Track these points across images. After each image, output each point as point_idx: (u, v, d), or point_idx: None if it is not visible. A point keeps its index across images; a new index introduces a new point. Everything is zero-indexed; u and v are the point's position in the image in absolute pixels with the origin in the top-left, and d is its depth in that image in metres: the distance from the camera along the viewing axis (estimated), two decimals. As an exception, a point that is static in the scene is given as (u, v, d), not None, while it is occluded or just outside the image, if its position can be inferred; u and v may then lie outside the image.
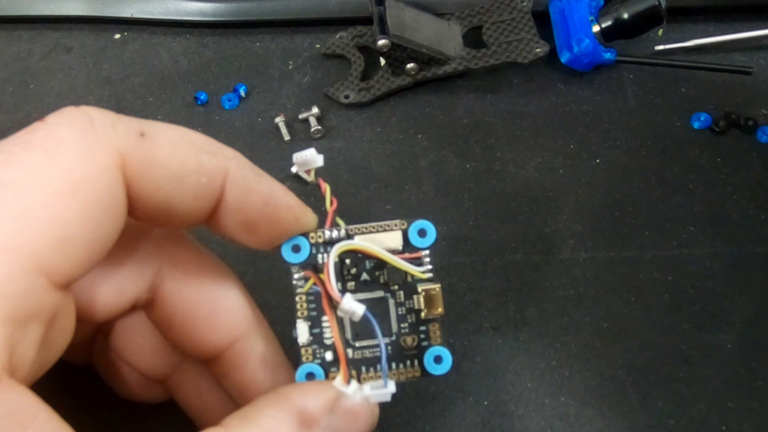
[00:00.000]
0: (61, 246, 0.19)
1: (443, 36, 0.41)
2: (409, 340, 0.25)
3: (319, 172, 0.26)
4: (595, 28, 0.40)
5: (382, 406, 0.24)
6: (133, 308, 0.25)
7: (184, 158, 0.22)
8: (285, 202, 0.24)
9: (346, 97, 0.40)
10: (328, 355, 0.25)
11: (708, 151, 0.38)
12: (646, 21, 0.40)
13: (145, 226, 0.25)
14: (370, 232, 0.25)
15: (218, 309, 0.26)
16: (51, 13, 0.44)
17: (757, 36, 0.42)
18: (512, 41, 0.41)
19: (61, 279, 0.20)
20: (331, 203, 0.25)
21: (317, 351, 0.25)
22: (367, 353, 0.25)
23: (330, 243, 0.25)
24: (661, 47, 0.42)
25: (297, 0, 0.44)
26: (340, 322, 0.25)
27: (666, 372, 0.32)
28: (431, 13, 0.42)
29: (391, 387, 0.24)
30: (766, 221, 0.36)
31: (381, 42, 0.38)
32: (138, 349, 0.27)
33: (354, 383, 0.23)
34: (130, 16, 0.44)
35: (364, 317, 0.23)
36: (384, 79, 0.40)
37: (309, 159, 0.25)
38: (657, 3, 0.39)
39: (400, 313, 0.25)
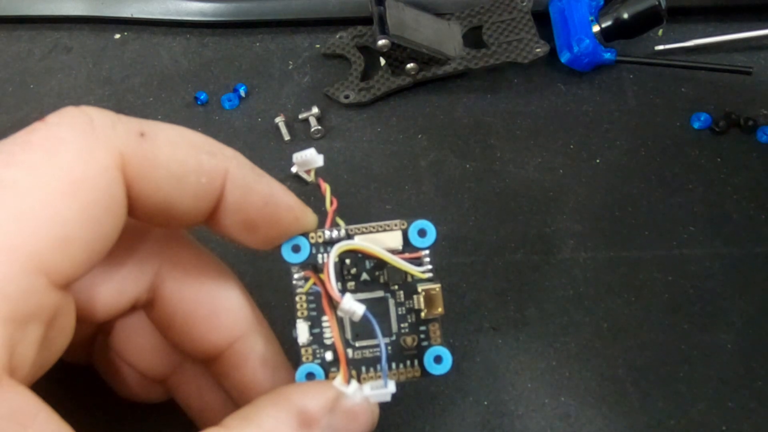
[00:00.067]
0: (61, 246, 0.19)
1: (443, 36, 0.41)
2: (409, 340, 0.25)
3: (319, 172, 0.26)
4: (595, 28, 0.40)
5: (382, 406, 0.24)
6: (133, 308, 0.25)
7: (184, 158, 0.22)
8: (285, 202, 0.24)
9: (346, 97, 0.40)
10: (328, 355, 0.25)
11: (708, 151, 0.38)
12: (646, 21, 0.40)
13: (145, 226, 0.25)
14: (370, 232, 0.25)
15: (218, 309, 0.26)
16: (51, 13, 0.44)
17: (757, 36, 0.42)
18: (512, 41, 0.41)
19: (61, 279, 0.20)
20: (331, 203, 0.25)
21: (317, 351, 0.25)
22: (367, 353, 0.25)
23: (330, 243, 0.25)
24: (661, 47, 0.42)
25: (297, 0, 0.44)
26: (340, 322, 0.25)
27: (666, 372, 0.32)
28: (431, 13, 0.42)
29: (391, 387, 0.24)
30: (766, 221, 0.36)
31: (381, 42, 0.38)
32: (138, 349, 0.27)
33: (354, 383, 0.23)
34: (130, 16, 0.44)
35: (364, 317, 0.23)
36: (384, 79, 0.40)
37: (309, 159, 0.25)
38: (657, 3, 0.39)
39: (400, 313, 0.25)
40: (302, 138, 0.40)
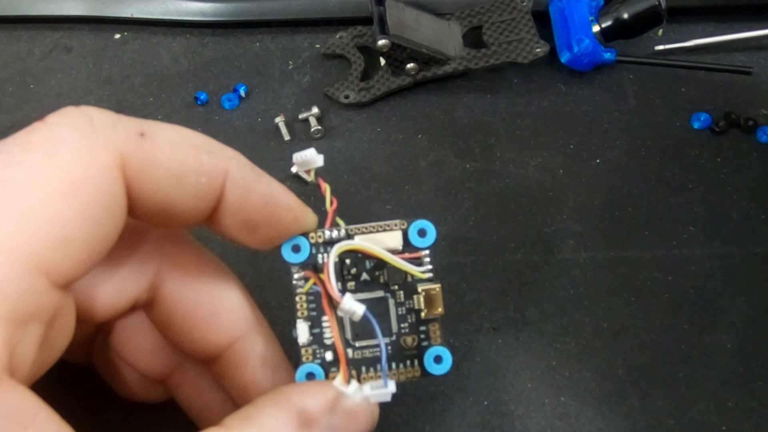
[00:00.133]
0: (61, 246, 0.19)
1: (443, 36, 0.41)
2: (409, 340, 0.25)
3: (319, 172, 0.26)
4: (595, 28, 0.40)
5: (382, 406, 0.24)
6: (133, 308, 0.25)
7: (184, 158, 0.22)
8: (285, 202, 0.24)
9: (346, 97, 0.40)
10: (328, 355, 0.25)
11: (708, 151, 0.38)
12: (646, 21, 0.40)
13: (145, 226, 0.25)
14: (370, 232, 0.25)
15: (218, 309, 0.26)
16: (51, 13, 0.44)
17: (757, 36, 0.42)
18: (512, 41, 0.41)
19: (61, 279, 0.20)
20: (331, 203, 0.25)
21: (317, 351, 0.25)
22: (367, 353, 0.25)
23: (330, 243, 0.25)
24: (661, 47, 0.42)
25: (297, 0, 0.44)
26: (340, 322, 0.25)
27: (666, 372, 0.32)
28: (431, 13, 0.42)
29: (391, 387, 0.24)
30: (766, 221, 0.36)
31: (381, 42, 0.38)
32: (138, 349, 0.27)
33: (354, 383, 0.23)
34: (130, 16, 0.44)
35: (364, 317, 0.23)
36: (384, 79, 0.40)
37: (309, 159, 0.25)
38: (657, 3, 0.39)
39: (400, 313, 0.25)
40: (302, 138, 0.40)
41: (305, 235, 0.25)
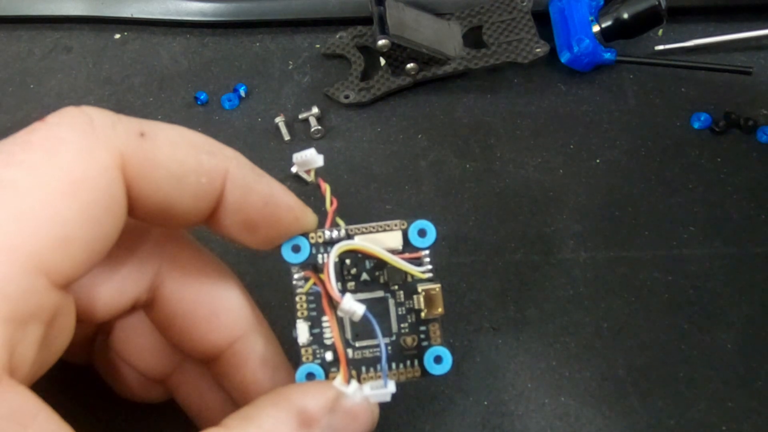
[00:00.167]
0: (61, 246, 0.19)
1: (443, 36, 0.41)
2: (409, 340, 0.25)
3: (319, 172, 0.26)
4: (595, 28, 0.40)
5: (382, 406, 0.24)
6: (133, 308, 0.25)
7: (184, 158, 0.22)
8: (285, 202, 0.24)
9: (346, 97, 0.40)
10: (328, 355, 0.25)
11: (708, 151, 0.38)
12: (646, 21, 0.40)
13: (145, 226, 0.25)
14: (370, 232, 0.25)
15: (218, 309, 0.26)
16: (51, 13, 0.44)
17: (757, 36, 0.42)
18: (512, 41, 0.41)
19: (61, 279, 0.20)
20: (331, 203, 0.25)
21: (317, 351, 0.25)
22: (367, 353, 0.25)
23: (330, 243, 0.25)
24: (661, 47, 0.42)
25: (297, 0, 0.44)
26: (340, 322, 0.25)
27: (666, 372, 0.32)
28: (431, 13, 0.42)
29: (391, 387, 0.24)
30: (766, 221, 0.36)
31: (381, 42, 0.38)
32: (138, 349, 0.27)
33: (354, 383, 0.23)
34: (130, 16, 0.44)
35: (364, 317, 0.23)
36: (384, 79, 0.40)
37: (309, 159, 0.25)
38: (657, 3, 0.39)
39: (400, 313, 0.25)
40: (302, 138, 0.40)
41: (305, 235, 0.25)
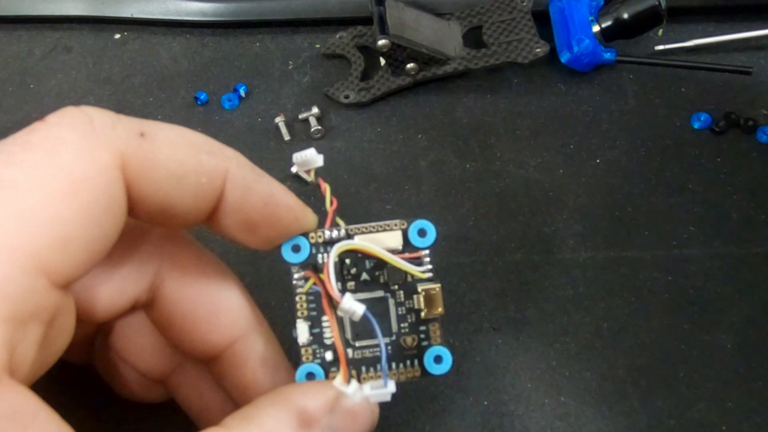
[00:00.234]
0: (61, 246, 0.19)
1: (443, 36, 0.41)
2: (409, 340, 0.25)
3: (319, 172, 0.26)
4: (595, 28, 0.40)
5: (382, 406, 0.24)
6: (133, 308, 0.25)
7: (184, 158, 0.22)
8: (285, 202, 0.24)
9: (346, 97, 0.40)
10: (328, 355, 0.25)
11: (708, 151, 0.38)
12: (646, 21, 0.40)
13: (145, 226, 0.25)
14: (370, 232, 0.25)
15: (218, 309, 0.26)
16: (51, 13, 0.44)
17: (757, 36, 0.42)
18: (512, 41, 0.41)
19: (61, 279, 0.20)
20: (331, 203, 0.25)
21: (317, 351, 0.25)
22: (367, 353, 0.25)
23: (330, 243, 0.25)
24: (661, 47, 0.42)
25: (297, 0, 0.44)
26: (340, 322, 0.25)
27: (666, 372, 0.32)
28: (431, 13, 0.42)
29: (391, 387, 0.24)
30: (766, 221, 0.36)
31: (381, 42, 0.38)
32: (138, 349, 0.27)
33: (354, 383, 0.23)
34: (130, 16, 0.44)
35: (364, 317, 0.23)
36: (384, 79, 0.40)
37: (309, 159, 0.25)
38: (657, 3, 0.39)
39: (400, 313, 0.25)
40: (302, 138, 0.40)
41: (305, 235, 0.25)
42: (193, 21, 0.44)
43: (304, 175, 0.26)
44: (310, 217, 0.25)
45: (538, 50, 0.40)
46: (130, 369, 0.27)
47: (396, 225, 0.25)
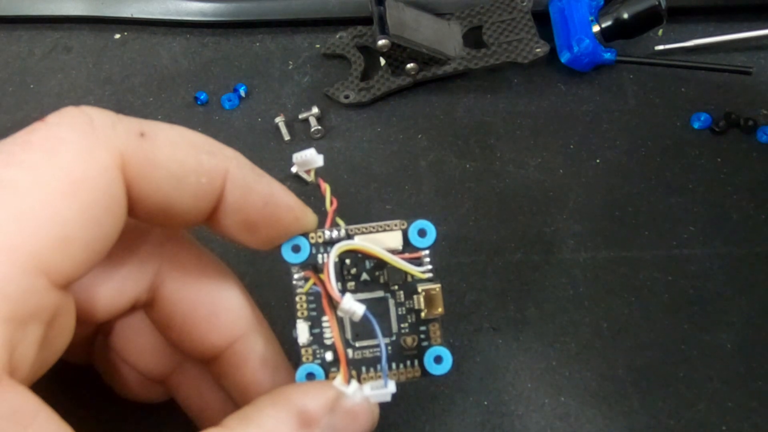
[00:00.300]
0: (61, 246, 0.19)
1: (443, 36, 0.41)
2: (409, 340, 0.25)
3: (319, 172, 0.26)
4: (595, 28, 0.40)
5: (382, 406, 0.24)
6: (133, 308, 0.25)
7: (184, 158, 0.22)
8: (285, 202, 0.24)
9: (346, 97, 0.40)
10: (328, 355, 0.25)
11: (708, 151, 0.38)
12: (646, 21, 0.40)
13: (145, 226, 0.25)
14: (370, 232, 0.25)
15: (218, 309, 0.26)
16: (51, 13, 0.44)
17: (757, 36, 0.42)
18: (512, 41, 0.41)
19: (61, 279, 0.20)
20: (331, 203, 0.25)
21: (317, 351, 0.25)
22: (367, 353, 0.25)
23: (330, 243, 0.25)
24: (661, 47, 0.42)
25: (297, 0, 0.44)
26: (340, 322, 0.25)
27: (666, 372, 0.32)
28: (431, 13, 0.42)
29: (391, 387, 0.24)
30: (766, 221, 0.36)
31: (381, 42, 0.38)
32: (138, 349, 0.27)
33: (354, 383, 0.23)
34: (130, 16, 0.44)
35: (364, 317, 0.23)
36: (384, 79, 0.40)
37: (309, 159, 0.25)
38: (657, 3, 0.39)
39: (400, 313, 0.25)
40: (302, 138, 0.40)
41: (305, 235, 0.25)
42: (193, 21, 0.44)
43: (304, 175, 0.26)
44: (310, 217, 0.25)
45: (538, 50, 0.40)
46: (130, 369, 0.27)
47: (396, 225, 0.25)
